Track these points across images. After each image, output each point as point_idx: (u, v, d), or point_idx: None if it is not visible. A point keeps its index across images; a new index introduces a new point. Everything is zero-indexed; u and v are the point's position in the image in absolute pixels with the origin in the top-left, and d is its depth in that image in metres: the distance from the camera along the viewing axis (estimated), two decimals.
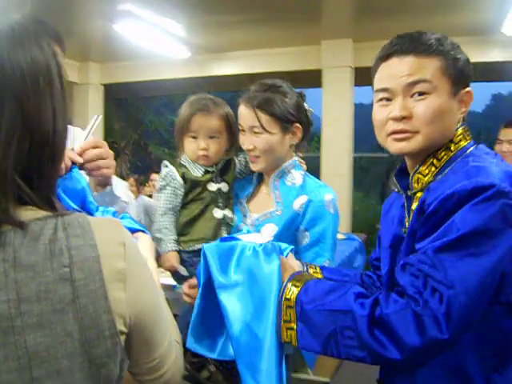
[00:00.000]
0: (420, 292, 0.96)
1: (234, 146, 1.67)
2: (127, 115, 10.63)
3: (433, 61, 1.07)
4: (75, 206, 1.10)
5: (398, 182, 1.23)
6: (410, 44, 1.09)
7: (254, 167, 1.59)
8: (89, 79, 6.75)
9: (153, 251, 1.13)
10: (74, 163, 1.20)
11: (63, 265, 0.69)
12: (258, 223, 1.58)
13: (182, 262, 1.61)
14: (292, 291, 1.10)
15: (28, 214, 0.72)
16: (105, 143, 1.31)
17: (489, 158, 1.07)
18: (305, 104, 1.61)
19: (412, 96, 1.08)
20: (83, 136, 1.30)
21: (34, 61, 0.73)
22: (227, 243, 1.26)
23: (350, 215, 5.79)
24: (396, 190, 1.27)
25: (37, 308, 0.67)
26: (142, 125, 11.07)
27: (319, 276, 1.31)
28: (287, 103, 1.53)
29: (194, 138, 1.61)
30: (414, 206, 1.13)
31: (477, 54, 4.25)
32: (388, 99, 1.12)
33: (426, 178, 1.12)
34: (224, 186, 1.64)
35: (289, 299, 1.09)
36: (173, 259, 1.58)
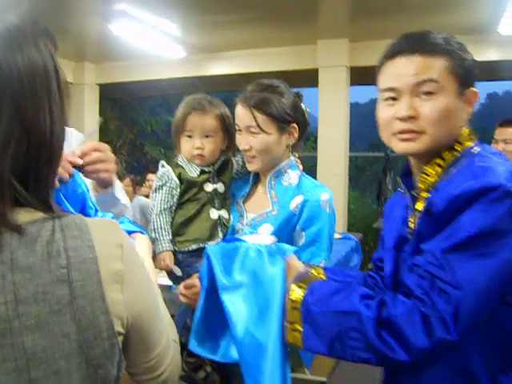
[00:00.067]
0: (427, 293, 0.95)
1: (231, 146, 1.66)
2: (122, 115, 10.60)
3: (440, 60, 1.06)
4: (74, 212, 1.09)
5: (403, 181, 1.22)
6: (417, 43, 1.08)
7: (251, 167, 1.59)
8: (84, 79, 6.74)
9: (150, 252, 1.13)
10: (74, 167, 1.20)
11: (60, 266, 0.69)
12: (255, 223, 1.57)
13: (178, 262, 1.61)
14: (297, 292, 1.09)
15: (25, 216, 0.72)
16: (107, 147, 1.31)
17: (495, 158, 1.06)
18: (302, 104, 1.61)
19: (418, 96, 1.07)
20: (83, 139, 1.30)
21: (32, 62, 0.72)
22: (231, 244, 1.25)
23: (346, 214, 5.80)
24: (401, 190, 1.26)
25: (34, 309, 0.67)
26: (138, 125, 11.04)
27: (322, 277, 1.30)
28: (284, 103, 1.53)
29: (190, 137, 1.61)
30: (419, 205, 1.12)
31: (473, 54, 4.25)
32: (394, 98, 1.11)
33: (431, 178, 1.11)
34: (220, 187, 1.64)
35: (294, 300, 1.09)
36: (167, 259, 1.58)
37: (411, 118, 1.07)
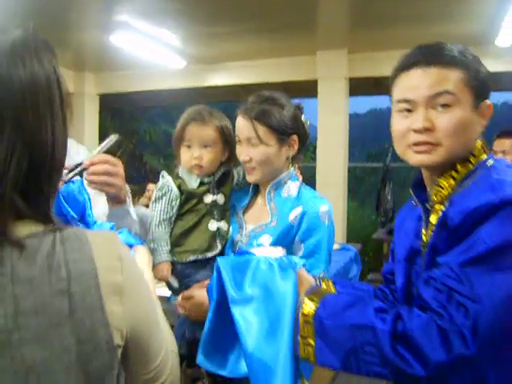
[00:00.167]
0: (444, 306, 0.93)
1: (231, 157, 1.67)
2: (122, 125, 10.62)
3: (455, 72, 1.06)
4: (74, 215, 1.10)
5: (415, 194, 1.22)
6: (433, 55, 1.08)
7: (250, 178, 1.59)
8: (84, 89, 6.76)
9: (150, 263, 1.13)
10: (80, 175, 1.20)
11: (61, 279, 0.69)
12: (254, 235, 1.58)
13: (176, 273, 1.61)
14: (309, 306, 1.08)
15: (26, 228, 0.72)
16: (119, 162, 1.31)
17: (511, 171, 1.05)
18: (302, 116, 1.61)
19: (434, 107, 1.07)
20: (96, 151, 1.30)
21: (34, 77, 0.73)
22: (241, 257, 1.24)
23: (345, 225, 5.80)
24: (413, 202, 1.25)
25: (34, 322, 0.67)
26: (138, 135, 11.07)
27: (332, 290, 1.28)
28: (285, 115, 1.54)
29: (189, 147, 1.62)
30: (433, 218, 1.11)
31: None
32: (409, 110, 1.11)
33: (445, 190, 1.10)
34: (220, 198, 1.64)
35: (306, 314, 1.07)
36: (165, 270, 1.58)
37: (427, 130, 1.07)
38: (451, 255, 0.98)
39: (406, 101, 1.11)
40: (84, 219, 1.15)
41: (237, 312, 1.13)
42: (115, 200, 1.37)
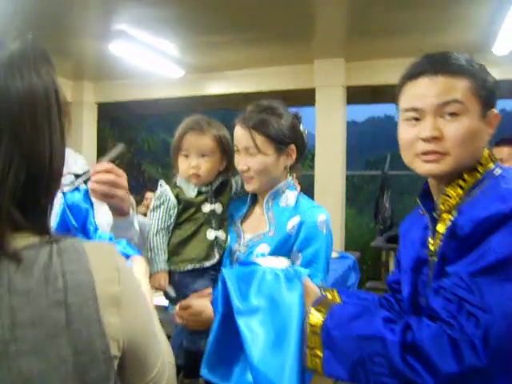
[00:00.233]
0: (455, 316, 0.93)
1: (229, 167, 1.67)
2: (121, 134, 10.63)
3: (463, 81, 1.06)
4: (75, 224, 1.09)
5: (422, 202, 1.21)
6: (440, 64, 1.08)
7: (248, 188, 1.59)
8: (83, 98, 6.76)
9: (147, 273, 1.13)
10: (85, 182, 1.19)
11: (57, 290, 0.69)
12: (251, 244, 1.57)
13: (174, 282, 1.60)
14: (317, 317, 1.07)
15: (23, 240, 0.71)
16: (123, 174, 1.28)
17: None
18: (300, 125, 1.62)
19: (442, 116, 1.07)
20: (103, 159, 1.28)
21: (32, 89, 0.72)
22: (247, 268, 1.23)
23: (344, 233, 5.79)
24: (420, 211, 1.24)
25: (31, 333, 0.67)
26: (136, 143, 11.07)
27: (337, 300, 1.27)
28: (283, 125, 1.54)
29: (186, 156, 1.62)
30: (440, 227, 1.11)
31: None
32: (417, 119, 1.10)
33: (453, 199, 1.10)
34: (218, 207, 1.64)
35: (314, 325, 1.07)
36: (162, 280, 1.57)
37: (435, 139, 1.07)
38: (461, 265, 0.98)
39: (414, 109, 1.11)
40: (85, 226, 1.15)
41: (242, 323, 1.12)
42: (118, 212, 1.34)
